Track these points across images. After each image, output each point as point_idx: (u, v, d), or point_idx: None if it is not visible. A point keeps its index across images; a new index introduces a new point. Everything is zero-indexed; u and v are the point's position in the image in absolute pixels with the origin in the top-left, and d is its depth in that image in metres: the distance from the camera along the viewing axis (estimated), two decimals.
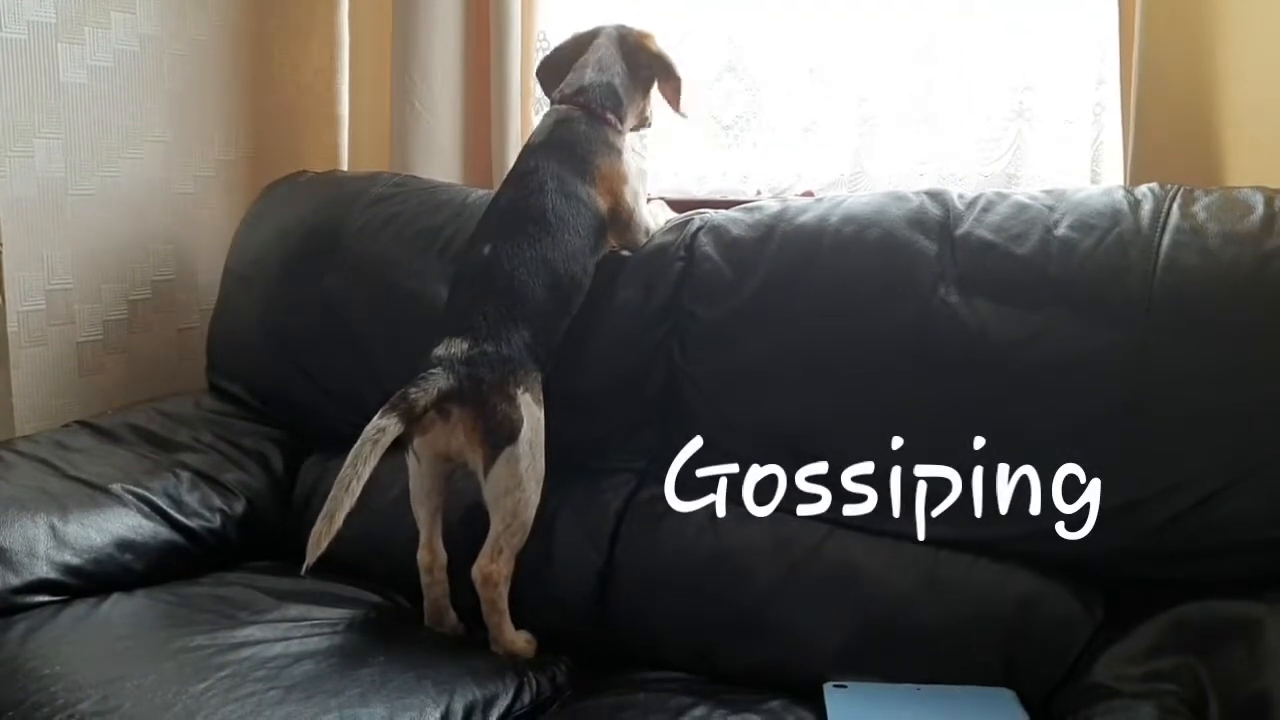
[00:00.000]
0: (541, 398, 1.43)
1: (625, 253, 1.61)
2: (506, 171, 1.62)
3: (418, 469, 1.44)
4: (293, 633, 1.37)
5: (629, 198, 1.57)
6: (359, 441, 1.29)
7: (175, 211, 2.08)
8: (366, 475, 1.28)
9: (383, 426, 1.30)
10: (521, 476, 1.38)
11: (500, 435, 1.37)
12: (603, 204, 1.54)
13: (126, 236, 2.00)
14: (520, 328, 1.42)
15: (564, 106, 1.59)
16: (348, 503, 1.27)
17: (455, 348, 1.39)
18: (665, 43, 1.66)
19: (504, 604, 1.40)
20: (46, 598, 1.43)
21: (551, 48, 1.73)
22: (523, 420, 1.38)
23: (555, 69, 1.66)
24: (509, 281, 1.44)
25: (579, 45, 1.65)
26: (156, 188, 2.04)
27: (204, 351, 2.00)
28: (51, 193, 1.87)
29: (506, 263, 1.45)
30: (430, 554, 1.46)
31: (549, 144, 1.55)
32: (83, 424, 1.79)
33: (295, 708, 1.19)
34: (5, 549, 1.43)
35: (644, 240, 1.61)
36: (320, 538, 1.25)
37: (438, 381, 1.35)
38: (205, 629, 1.36)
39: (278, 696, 1.21)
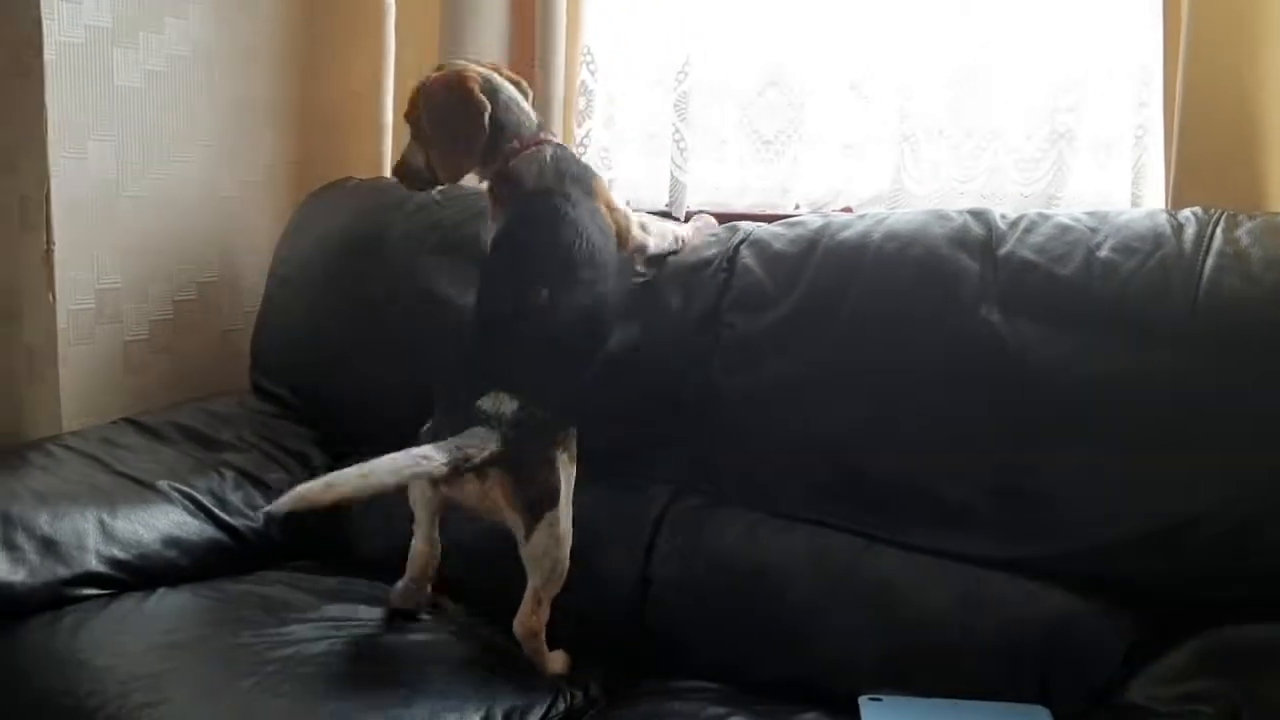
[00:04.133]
0: (575, 450, 1.42)
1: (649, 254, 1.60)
2: None
3: (428, 490, 1.44)
4: (335, 632, 1.39)
5: (614, 199, 1.55)
6: (409, 460, 1.26)
7: (222, 215, 2.11)
8: (387, 489, 1.26)
9: (431, 467, 1.27)
10: (560, 537, 1.38)
11: (542, 504, 1.36)
12: (607, 215, 1.51)
13: (174, 238, 2.03)
14: (566, 381, 1.41)
15: (533, 149, 1.49)
16: (352, 493, 1.24)
17: (504, 406, 1.34)
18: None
19: (544, 646, 1.40)
20: (95, 590, 1.46)
21: (436, 114, 1.48)
22: (560, 483, 1.37)
23: (476, 129, 1.47)
24: (564, 331, 1.41)
25: (477, 94, 1.46)
26: (204, 191, 2.06)
27: (247, 353, 2.02)
28: (103, 194, 1.90)
29: (562, 313, 1.41)
30: (428, 545, 1.48)
31: (563, 176, 1.47)
32: (129, 421, 1.82)
33: (340, 705, 1.21)
34: (56, 541, 1.46)
35: (639, 234, 1.57)
36: (307, 496, 1.21)
37: (490, 444, 1.31)
38: (250, 626, 1.38)
39: (322, 693, 1.23)
